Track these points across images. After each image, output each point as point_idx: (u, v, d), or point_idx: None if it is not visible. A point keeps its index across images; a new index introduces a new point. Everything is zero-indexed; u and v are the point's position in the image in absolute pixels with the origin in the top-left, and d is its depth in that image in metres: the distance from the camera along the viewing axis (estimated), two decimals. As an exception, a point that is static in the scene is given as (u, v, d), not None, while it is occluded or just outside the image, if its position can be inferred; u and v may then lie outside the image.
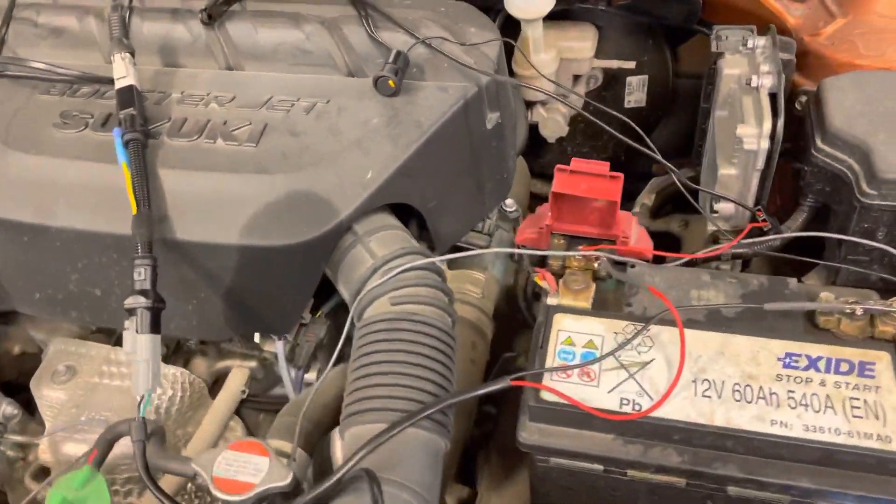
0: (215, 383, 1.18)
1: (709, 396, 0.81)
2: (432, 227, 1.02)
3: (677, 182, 1.02)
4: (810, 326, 0.89)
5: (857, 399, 0.79)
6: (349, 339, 0.91)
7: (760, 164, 1.03)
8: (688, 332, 0.84)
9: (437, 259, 0.90)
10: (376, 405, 0.80)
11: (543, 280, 0.94)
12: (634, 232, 0.97)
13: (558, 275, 0.96)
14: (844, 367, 0.83)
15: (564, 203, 0.95)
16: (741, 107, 1.05)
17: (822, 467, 0.77)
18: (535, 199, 1.62)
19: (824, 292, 0.90)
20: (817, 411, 0.79)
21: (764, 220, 1.00)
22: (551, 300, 0.93)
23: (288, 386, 1.05)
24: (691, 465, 0.80)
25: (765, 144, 1.01)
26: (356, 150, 0.94)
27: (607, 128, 1.05)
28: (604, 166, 0.93)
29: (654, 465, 0.81)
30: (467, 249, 1.12)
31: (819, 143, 1.01)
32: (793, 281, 0.94)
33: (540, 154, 1.64)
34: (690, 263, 1.01)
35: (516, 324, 1.42)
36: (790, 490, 0.78)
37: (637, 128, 1.05)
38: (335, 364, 0.96)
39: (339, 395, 0.93)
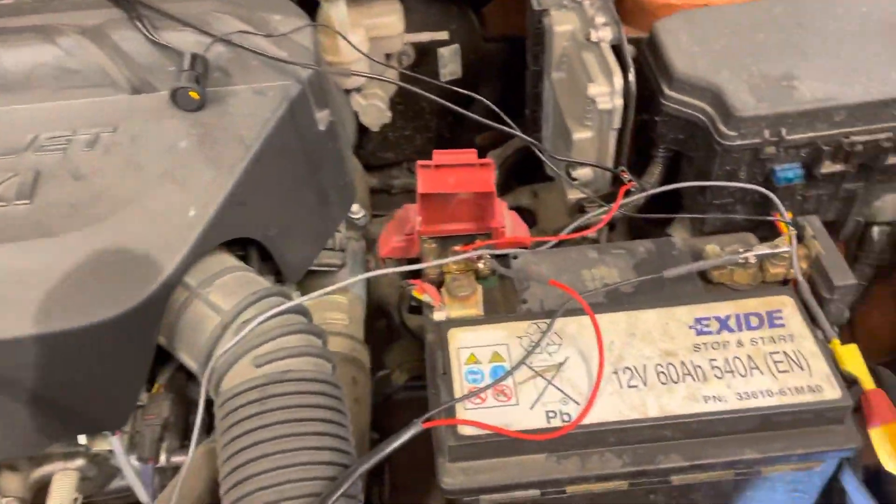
0: (38, 494, 0.94)
1: (635, 386, 0.74)
2: (279, 256, 0.86)
3: (540, 154, 0.93)
4: (705, 283, 0.85)
5: (778, 353, 0.76)
6: (208, 408, 0.74)
7: (617, 122, 0.97)
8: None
9: (301, 300, 0.74)
10: (268, 498, 0.64)
11: (424, 293, 0.82)
12: (507, 219, 0.88)
13: (438, 283, 0.85)
14: (754, 321, 0.79)
15: (432, 202, 0.83)
16: (583, 65, 0.99)
17: (762, 433, 0.73)
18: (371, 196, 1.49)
19: (709, 245, 0.86)
20: (744, 376, 0.74)
21: (630, 181, 0.94)
22: (438, 315, 0.81)
23: (136, 486, 0.84)
24: (633, 466, 0.72)
25: (619, 101, 0.95)
26: (167, 184, 0.75)
27: (451, 106, 0.93)
28: (470, 154, 0.82)
29: (595, 476, 0.72)
30: (322, 273, 0.96)
31: (667, 90, 0.97)
32: (677, 240, 0.90)
33: (361, 144, 1.50)
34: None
35: (379, 334, 1.30)
36: (735, 465, 0.73)
37: (489, 103, 0.94)
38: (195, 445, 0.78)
39: (211, 483, 0.76)
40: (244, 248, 0.86)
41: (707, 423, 0.72)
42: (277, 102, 0.82)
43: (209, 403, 0.74)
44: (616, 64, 0.95)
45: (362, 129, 1.41)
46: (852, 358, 0.78)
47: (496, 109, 0.93)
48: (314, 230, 0.91)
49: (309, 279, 0.96)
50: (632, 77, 0.94)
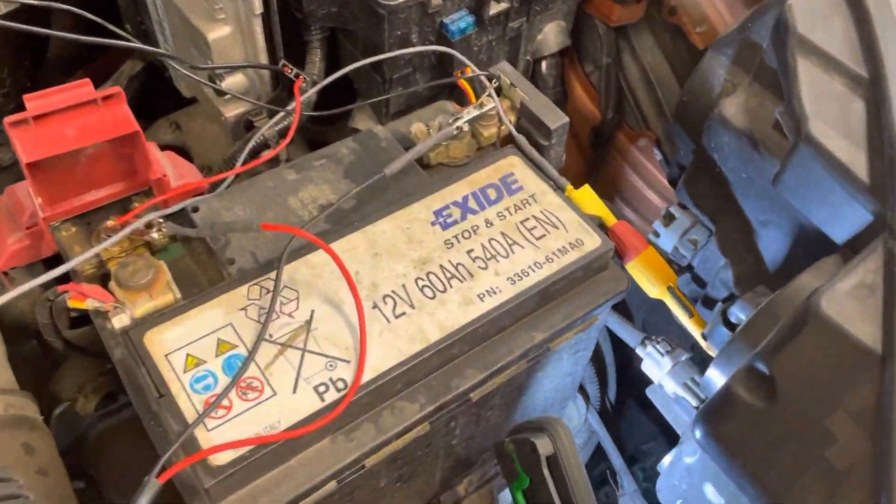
0: None
1: (403, 313, 0.60)
2: None
3: (182, 70, 0.70)
4: (426, 169, 0.73)
5: (528, 219, 0.68)
6: None
7: (258, 6, 0.76)
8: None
9: None
10: None
11: (85, 299, 0.57)
12: (166, 162, 0.65)
13: (101, 277, 0.60)
14: (493, 193, 0.69)
15: (48, 171, 0.56)
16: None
17: (543, 309, 0.66)
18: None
19: (414, 126, 0.74)
20: (507, 256, 0.65)
21: (299, 75, 0.76)
22: (119, 320, 0.58)
23: None
24: (432, 403, 0.60)
25: (254, -22, 0.75)
26: None
27: (31, 29, 0.65)
28: (84, 87, 0.56)
29: (394, 435, 0.59)
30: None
31: (302, -43, 0.79)
32: (378, 128, 0.76)
33: None
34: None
35: (33, 360, 0.98)
36: (528, 353, 0.65)
37: (89, 14, 0.67)
38: None
39: None
40: None
41: (491, 323, 0.62)
42: None
43: None
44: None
45: None
46: (590, 199, 0.74)
47: (108, 25, 0.68)
48: None
49: None
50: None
